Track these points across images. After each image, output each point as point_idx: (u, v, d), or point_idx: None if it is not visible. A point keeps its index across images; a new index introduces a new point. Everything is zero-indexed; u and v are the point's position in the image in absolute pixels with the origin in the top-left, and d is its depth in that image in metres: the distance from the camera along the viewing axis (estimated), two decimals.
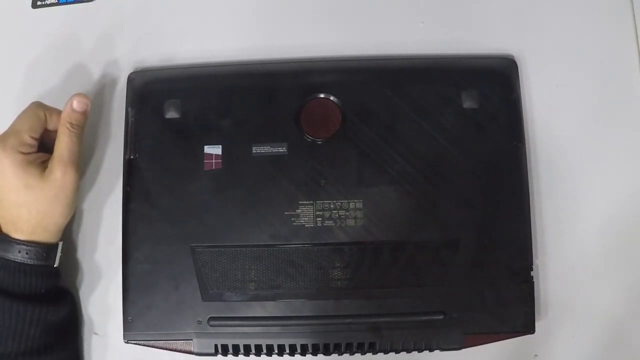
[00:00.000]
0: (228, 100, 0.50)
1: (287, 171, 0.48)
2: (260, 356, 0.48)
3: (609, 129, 0.51)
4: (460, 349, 0.46)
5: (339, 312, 0.46)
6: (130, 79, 0.52)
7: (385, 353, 0.47)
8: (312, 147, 0.49)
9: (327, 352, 0.47)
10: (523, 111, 0.50)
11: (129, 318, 0.47)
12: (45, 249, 0.46)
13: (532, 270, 0.47)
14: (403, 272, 0.47)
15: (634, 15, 0.53)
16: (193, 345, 0.47)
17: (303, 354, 0.47)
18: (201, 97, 0.51)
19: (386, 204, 0.48)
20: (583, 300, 0.49)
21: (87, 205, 0.52)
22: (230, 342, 0.47)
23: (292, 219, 0.48)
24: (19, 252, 0.45)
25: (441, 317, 0.46)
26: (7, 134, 0.47)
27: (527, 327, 0.46)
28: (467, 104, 0.49)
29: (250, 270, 0.47)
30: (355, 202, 0.48)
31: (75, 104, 0.48)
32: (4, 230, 0.46)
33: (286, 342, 0.47)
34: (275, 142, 0.49)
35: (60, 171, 0.46)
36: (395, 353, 0.48)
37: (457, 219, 0.47)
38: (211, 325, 0.47)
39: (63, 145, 0.47)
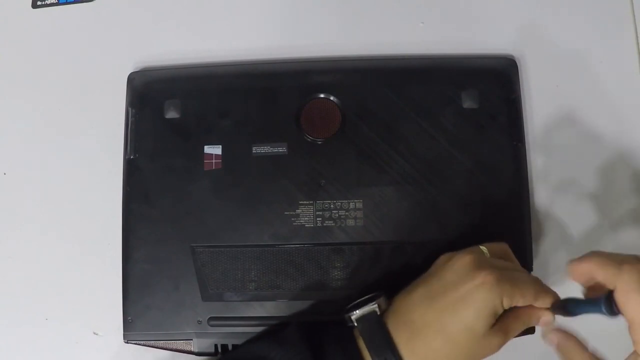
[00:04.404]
0: (228, 100, 0.50)
1: (287, 171, 0.48)
2: None
3: (609, 129, 0.51)
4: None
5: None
6: (130, 79, 0.52)
7: None
8: (312, 147, 0.49)
9: None
10: (523, 111, 0.50)
11: (129, 318, 0.47)
12: None
13: (532, 270, 0.47)
14: (403, 272, 0.47)
15: (634, 15, 0.53)
16: (193, 345, 0.47)
17: None
18: (201, 97, 0.51)
19: (386, 204, 0.48)
20: None
21: (88, 205, 0.52)
22: (230, 342, 0.47)
23: (292, 219, 0.48)
24: None
25: None
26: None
27: None
28: (467, 104, 0.49)
29: (250, 270, 0.47)
30: (355, 202, 0.48)
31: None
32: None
33: None
34: (275, 142, 0.49)
35: (499, 341, 0.40)
36: None
37: (457, 219, 0.47)
38: (211, 325, 0.47)
39: (516, 327, 0.41)
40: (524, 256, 0.47)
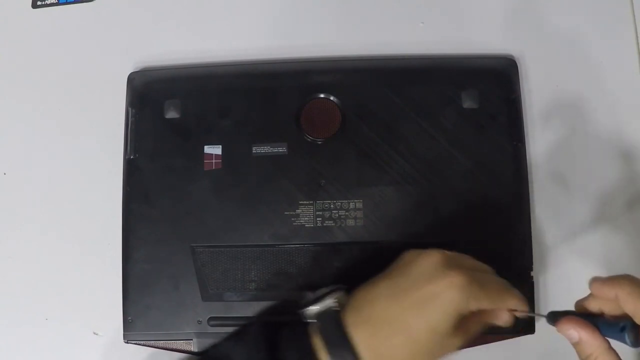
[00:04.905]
0: (228, 100, 0.50)
1: (287, 171, 0.48)
2: None
3: (609, 129, 0.51)
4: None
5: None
6: (130, 79, 0.52)
7: None
8: (312, 147, 0.49)
9: None
10: (523, 111, 0.50)
11: (129, 318, 0.47)
12: None
13: (532, 270, 0.47)
14: None
15: (634, 15, 0.53)
16: (193, 345, 0.47)
17: None
18: (201, 97, 0.51)
19: (386, 204, 0.48)
20: None
21: (88, 205, 0.52)
22: None
23: (292, 219, 0.48)
24: None
25: None
26: None
27: (527, 327, 0.46)
28: (467, 104, 0.49)
29: (250, 270, 0.47)
30: (355, 202, 0.48)
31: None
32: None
33: None
34: (275, 142, 0.49)
35: (459, 341, 0.39)
36: None
37: (457, 219, 0.47)
38: (211, 325, 0.47)
39: (476, 327, 0.40)
40: (524, 256, 0.47)
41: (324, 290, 0.42)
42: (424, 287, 0.38)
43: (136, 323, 0.47)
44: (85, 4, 0.56)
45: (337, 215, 0.48)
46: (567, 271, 0.49)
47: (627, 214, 0.50)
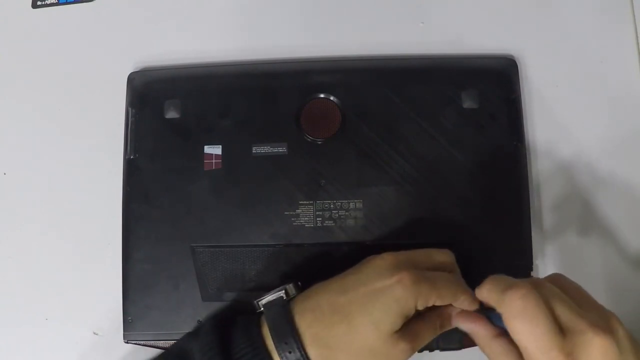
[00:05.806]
0: (228, 100, 0.50)
1: (287, 171, 0.48)
2: None
3: (609, 129, 0.51)
4: (460, 349, 0.46)
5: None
6: (130, 79, 0.52)
7: None
8: (312, 147, 0.49)
9: None
10: (523, 111, 0.50)
11: (129, 318, 0.47)
12: None
13: (532, 270, 0.47)
14: None
15: (634, 15, 0.53)
16: None
17: None
18: (201, 97, 0.51)
19: (386, 204, 0.48)
20: None
21: (88, 205, 0.52)
22: None
23: (292, 218, 0.48)
24: None
25: None
26: None
27: None
28: (467, 104, 0.49)
29: (250, 270, 0.47)
30: (355, 202, 0.48)
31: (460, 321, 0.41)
32: None
33: None
34: (275, 142, 0.49)
35: (406, 346, 0.39)
36: None
37: (457, 219, 0.47)
38: None
39: (425, 333, 0.41)
40: (524, 256, 0.47)
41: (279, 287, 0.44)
42: (371, 283, 0.39)
43: (136, 323, 0.47)
44: (85, 4, 0.56)
45: (337, 215, 0.48)
46: (567, 271, 0.49)
47: (627, 210, 0.50)
